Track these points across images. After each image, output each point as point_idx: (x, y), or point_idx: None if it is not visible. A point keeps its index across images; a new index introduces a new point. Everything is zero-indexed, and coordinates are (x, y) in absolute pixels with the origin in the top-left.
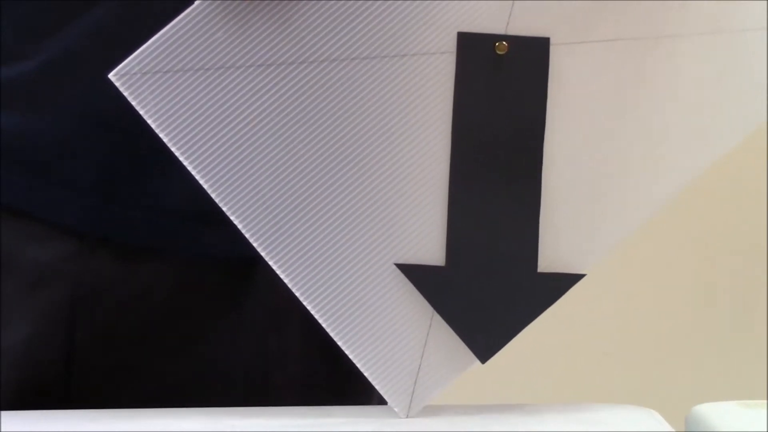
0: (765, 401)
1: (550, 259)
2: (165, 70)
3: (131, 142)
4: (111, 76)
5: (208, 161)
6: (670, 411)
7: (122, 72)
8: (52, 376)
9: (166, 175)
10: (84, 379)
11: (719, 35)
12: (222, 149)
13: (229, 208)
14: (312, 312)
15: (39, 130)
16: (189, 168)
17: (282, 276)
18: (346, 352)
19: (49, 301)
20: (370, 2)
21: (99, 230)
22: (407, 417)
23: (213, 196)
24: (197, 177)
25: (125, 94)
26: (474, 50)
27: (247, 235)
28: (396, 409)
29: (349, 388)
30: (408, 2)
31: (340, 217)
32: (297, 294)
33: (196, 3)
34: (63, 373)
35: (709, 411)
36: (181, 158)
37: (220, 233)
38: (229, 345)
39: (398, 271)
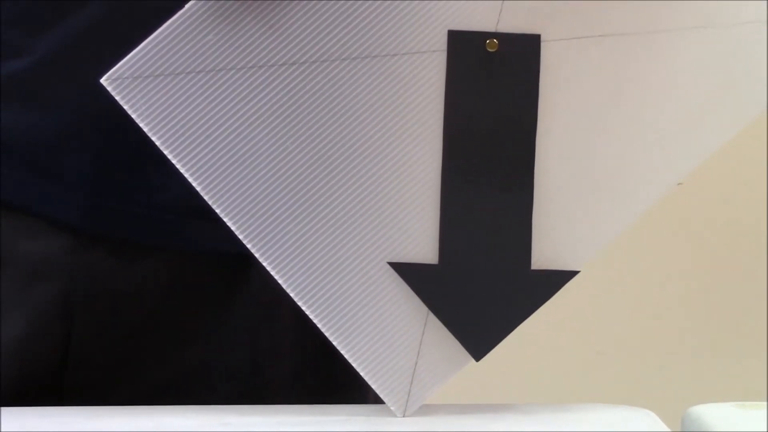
0: (762, 402)
1: (543, 256)
2: (156, 74)
3: (126, 138)
4: (103, 80)
5: (200, 163)
6: (666, 411)
7: (114, 77)
8: (48, 371)
9: (161, 171)
10: (79, 374)
11: (713, 29)
12: (214, 151)
13: (222, 210)
14: (306, 312)
15: (34, 125)
16: (182, 171)
17: (276, 277)
18: (342, 351)
19: (45, 297)
20: (360, 2)
21: (94, 226)
22: (404, 416)
23: (206, 198)
24: (190, 179)
25: (117, 98)
26: (465, 48)
27: (240, 237)
28: (393, 408)
29: (344, 383)
30: (398, 2)
31: (333, 216)
32: (291, 294)
33: (186, 6)
34: (58, 368)
35: (706, 412)
36: (173, 161)
37: (214, 229)
38: (222, 340)
39: (392, 270)
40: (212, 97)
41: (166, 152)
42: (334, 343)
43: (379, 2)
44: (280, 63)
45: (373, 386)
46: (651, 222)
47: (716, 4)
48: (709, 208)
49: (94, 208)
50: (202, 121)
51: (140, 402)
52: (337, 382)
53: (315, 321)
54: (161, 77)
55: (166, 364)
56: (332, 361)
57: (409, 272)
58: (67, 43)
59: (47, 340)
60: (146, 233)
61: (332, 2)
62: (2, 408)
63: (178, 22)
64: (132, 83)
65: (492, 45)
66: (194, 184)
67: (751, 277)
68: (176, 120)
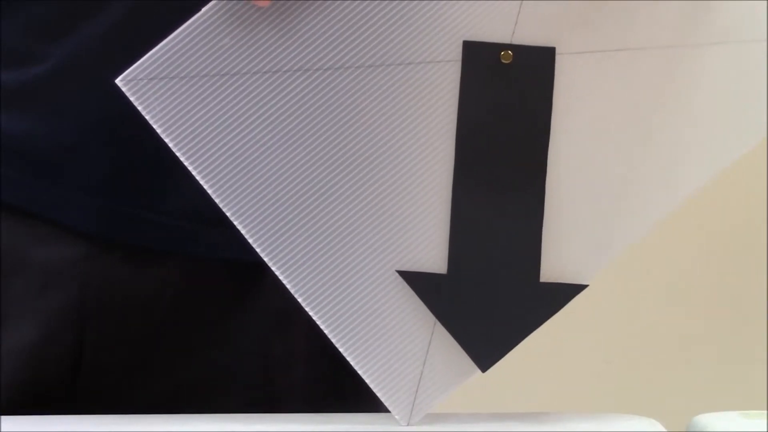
0: (765, 412)
1: (552, 268)
2: (171, 76)
3: (141, 145)
4: (118, 81)
5: (212, 167)
6: (671, 421)
7: (129, 78)
8: (60, 377)
9: (175, 178)
10: (91, 380)
11: (722, 46)
12: (227, 155)
13: (232, 214)
14: (314, 319)
15: (50, 132)
16: (193, 173)
17: (285, 282)
18: (348, 358)
19: (58, 303)
20: (377, 10)
21: (108, 232)
22: (408, 425)
23: (217, 201)
24: (202, 182)
25: (132, 99)
26: (479, 59)
27: (250, 241)
28: (397, 418)
29: (355, 392)
30: (414, 11)
31: (344, 224)
32: (300, 301)
33: (202, 10)
34: (70, 374)
35: (710, 421)
36: (185, 163)
37: (228, 235)
38: (235, 348)
39: (401, 279)
40: (226, 100)
41: (178, 154)
42: (341, 350)
43: (394, 11)
44: (294, 69)
45: (378, 394)
46: (657, 232)
47: (732, 20)
48: (712, 217)
49: (109, 214)
50: (216, 125)
51: (153, 408)
52: (348, 391)
53: (322, 327)
54: (176, 79)
55: (179, 370)
56: (344, 370)
57: (417, 281)
58: (82, 50)
59: (60, 346)
60: (160, 240)
61: (348, 10)
62: (4, 417)
63: (194, 25)
64: (147, 85)
65: (507, 57)
66: (205, 187)
67: (754, 288)
68: (190, 122)
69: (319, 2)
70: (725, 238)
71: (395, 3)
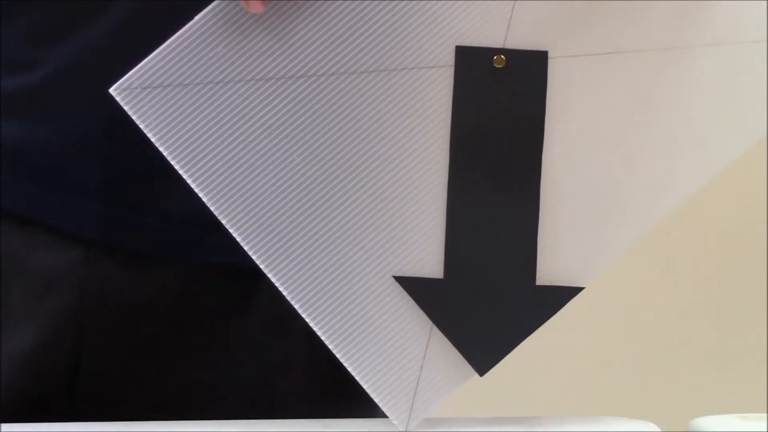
0: (765, 414)
1: (548, 271)
2: (165, 84)
3: (138, 150)
4: (111, 90)
5: (207, 174)
6: (670, 423)
7: (122, 86)
8: (58, 383)
9: (173, 183)
10: (90, 385)
11: (720, 47)
12: (221, 162)
13: (227, 221)
14: (310, 324)
15: (47, 138)
16: (188, 181)
17: (280, 288)
18: (345, 364)
19: (56, 309)
20: (370, 16)
21: (106, 238)
22: (406, 429)
23: (212, 208)
24: (196, 190)
25: (125, 108)
26: (472, 64)
27: (245, 248)
28: (395, 422)
29: (354, 394)
30: (407, 16)
31: (339, 229)
32: (295, 306)
33: (195, 18)
34: (69, 379)
35: (709, 424)
36: (180, 171)
37: (226, 241)
38: (234, 352)
39: (397, 284)
40: (220, 108)
41: (172, 162)
42: (337, 356)
43: (388, 17)
44: (288, 76)
45: (376, 399)
46: (656, 233)
47: (725, 22)
48: (714, 218)
49: (107, 219)
50: (210, 133)
51: (152, 412)
52: (347, 394)
53: (318, 333)
54: (170, 88)
55: (177, 375)
56: (343, 375)
57: (413, 286)
58: (78, 56)
59: (59, 351)
60: (158, 245)
61: (342, 17)
62: (2, 425)
63: (188, 33)
64: (140, 93)
65: (499, 61)
66: (200, 194)
67: (754, 289)
68: (184, 131)
69: (312, 9)
70: (725, 239)
71: (388, 9)
